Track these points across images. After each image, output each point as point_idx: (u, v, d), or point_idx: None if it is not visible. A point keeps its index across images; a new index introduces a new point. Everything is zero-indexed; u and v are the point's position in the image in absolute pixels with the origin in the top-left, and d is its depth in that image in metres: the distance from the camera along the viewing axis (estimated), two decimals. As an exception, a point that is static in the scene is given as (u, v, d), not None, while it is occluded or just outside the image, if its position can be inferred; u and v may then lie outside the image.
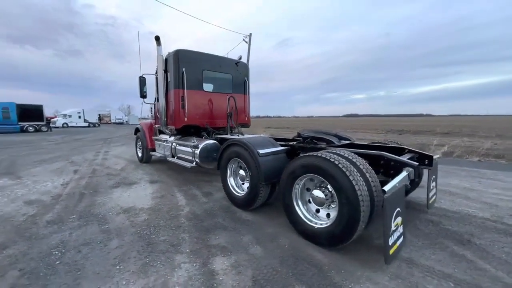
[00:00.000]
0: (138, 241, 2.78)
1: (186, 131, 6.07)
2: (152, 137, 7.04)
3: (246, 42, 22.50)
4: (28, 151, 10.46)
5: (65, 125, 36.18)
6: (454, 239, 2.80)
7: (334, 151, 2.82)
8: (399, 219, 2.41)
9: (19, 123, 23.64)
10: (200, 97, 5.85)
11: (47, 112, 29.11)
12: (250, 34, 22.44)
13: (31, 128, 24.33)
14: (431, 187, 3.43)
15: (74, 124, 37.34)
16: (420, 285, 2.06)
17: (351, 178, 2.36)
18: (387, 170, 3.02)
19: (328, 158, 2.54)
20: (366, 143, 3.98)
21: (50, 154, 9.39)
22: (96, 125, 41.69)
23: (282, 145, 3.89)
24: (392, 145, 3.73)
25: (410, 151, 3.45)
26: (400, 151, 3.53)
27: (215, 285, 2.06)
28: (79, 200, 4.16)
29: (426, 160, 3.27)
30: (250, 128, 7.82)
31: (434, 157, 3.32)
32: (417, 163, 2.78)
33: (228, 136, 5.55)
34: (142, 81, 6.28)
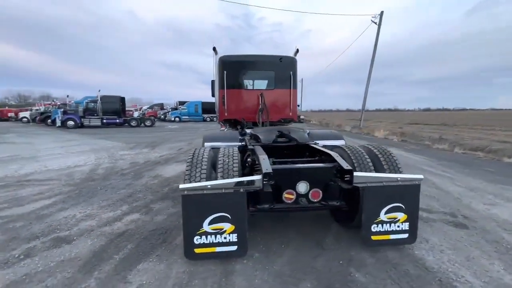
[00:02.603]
0: (130, 193, 4.38)
1: (236, 124, 7.17)
2: (220, 129, 8.79)
3: (376, 23, 20.03)
4: (186, 133, 15.89)
5: (231, 116, 48.35)
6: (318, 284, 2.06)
7: (229, 147, 2.92)
8: (224, 225, 2.29)
9: (203, 115, 34.73)
10: (239, 95, 6.70)
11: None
12: (382, 12, 19.74)
13: (208, 118, 35.02)
14: (381, 217, 2.45)
15: (236, 116, 48.94)
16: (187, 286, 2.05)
17: (191, 169, 2.54)
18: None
19: (193, 150, 2.78)
20: (309, 145, 3.32)
21: (188, 137, 13.85)
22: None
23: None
24: (325, 150, 2.90)
25: (335, 161, 2.59)
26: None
27: (96, 219, 3.17)
28: (150, 165, 6.57)
29: (346, 176, 2.38)
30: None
31: (359, 174, 2.35)
32: (262, 175, 2.24)
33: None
34: (213, 83, 8.05)
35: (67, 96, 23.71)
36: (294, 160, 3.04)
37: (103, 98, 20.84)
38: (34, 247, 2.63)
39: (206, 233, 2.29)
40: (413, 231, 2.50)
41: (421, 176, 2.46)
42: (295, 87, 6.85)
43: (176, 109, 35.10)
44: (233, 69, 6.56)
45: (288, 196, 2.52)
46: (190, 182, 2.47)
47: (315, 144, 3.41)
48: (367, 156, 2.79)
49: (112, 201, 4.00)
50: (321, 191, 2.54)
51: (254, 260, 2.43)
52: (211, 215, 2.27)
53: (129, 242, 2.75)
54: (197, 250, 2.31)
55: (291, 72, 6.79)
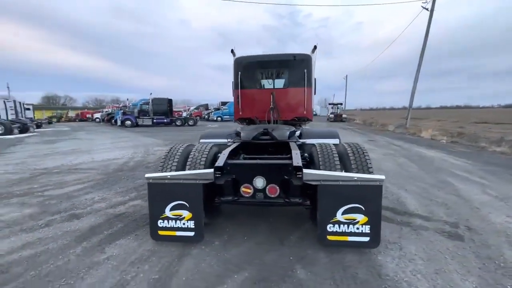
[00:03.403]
0: (145, 183, 5.01)
1: (250, 123, 7.41)
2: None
3: (427, 9, 18.20)
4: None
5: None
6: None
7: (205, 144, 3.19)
8: (183, 212, 2.56)
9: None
10: (253, 94, 6.88)
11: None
12: (434, -4, 17.63)
13: (248, 118, 36.08)
14: (338, 217, 2.39)
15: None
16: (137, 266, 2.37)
17: (165, 161, 2.88)
18: None
19: (171, 145, 3.12)
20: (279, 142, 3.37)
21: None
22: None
23: None
24: (292, 147, 2.87)
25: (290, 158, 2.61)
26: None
27: (107, 202, 3.75)
28: (173, 160, 7.27)
29: (298, 173, 2.38)
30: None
31: (309, 171, 2.32)
32: (214, 169, 2.41)
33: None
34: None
35: (127, 99, 27.32)
36: (264, 156, 3.11)
37: (154, 100, 23.42)
38: (54, 220, 3.33)
39: (168, 218, 2.58)
40: (375, 235, 2.34)
41: (382, 177, 2.29)
42: (309, 85, 6.70)
43: (218, 109, 37.04)
44: (247, 70, 6.78)
45: (245, 190, 2.63)
46: (162, 172, 2.81)
47: (295, 142, 3.40)
48: (336, 155, 2.70)
49: (127, 188, 4.66)
50: (278, 187, 2.57)
51: (212, 247, 2.62)
52: (171, 202, 2.56)
53: (121, 222, 3.23)
54: (160, 232, 2.62)
55: (306, 70, 6.67)
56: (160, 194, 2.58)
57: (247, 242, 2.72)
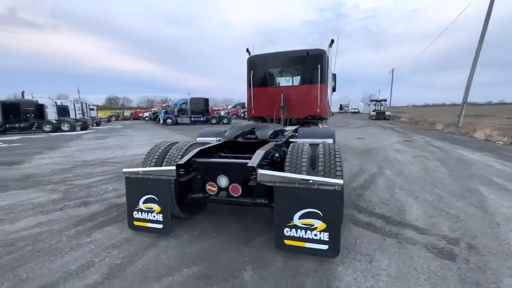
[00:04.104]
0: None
1: (263, 122, 7.39)
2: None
3: None
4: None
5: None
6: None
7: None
8: (153, 205, 2.75)
9: (278, 112, 35.74)
10: (265, 93, 6.84)
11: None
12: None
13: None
14: (295, 221, 2.30)
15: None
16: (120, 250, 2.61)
17: (147, 157, 3.10)
18: None
19: (156, 143, 3.34)
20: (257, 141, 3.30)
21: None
22: (331, 114, 49.07)
23: None
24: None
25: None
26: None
27: (116, 192, 4.17)
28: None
29: (253, 174, 2.32)
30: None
31: (263, 171, 2.26)
32: (175, 166, 2.50)
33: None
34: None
35: (169, 99, 29.71)
36: (235, 155, 3.12)
37: (192, 100, 24.96)
38: (68, 205, 3.87)
39: (141, 210, 2.79)
40: (334, 244, 2.16)
41: (340, 181, 2.09)
42: (323, 81, 6.37)
43: (254, 107, 37.57)
44: (260, 68, 6.76)
45: (210, 188, 2.68)
46: (142, 167, 3.03)
47: (276, 141, 3.31)
48: (305, 155, 2.56)
49: (138, 181, 5.11)
50: (239, 187, 2.55)
51: (179, 241, 2.74)
52: (144, 195, 2.76)
53: (116, 211, 3.59)
54: (135, 223, 2.85)
55: (320, 66, 6.35)
56: (135, 188, 2.81)
57: (214, 239, 2.76)
